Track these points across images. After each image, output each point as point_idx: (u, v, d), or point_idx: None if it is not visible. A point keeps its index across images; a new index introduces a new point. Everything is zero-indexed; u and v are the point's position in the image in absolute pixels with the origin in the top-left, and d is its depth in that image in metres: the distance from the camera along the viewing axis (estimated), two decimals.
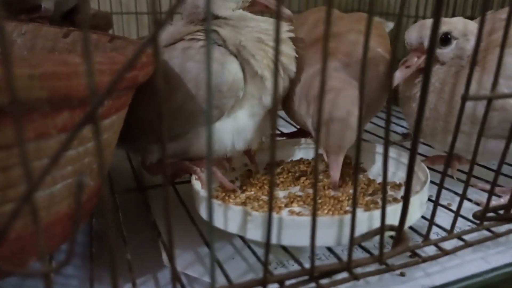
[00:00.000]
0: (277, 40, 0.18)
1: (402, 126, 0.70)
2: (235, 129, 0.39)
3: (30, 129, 0.22)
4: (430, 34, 0.22)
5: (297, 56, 0.41)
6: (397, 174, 0.43)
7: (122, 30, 0.87)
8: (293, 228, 0.30)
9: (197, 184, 0.38)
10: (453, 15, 0.84)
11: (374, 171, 0.45)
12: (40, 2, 0.55)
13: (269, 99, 0.39)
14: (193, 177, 0.39)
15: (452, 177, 0.45)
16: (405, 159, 0.43)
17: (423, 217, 0.36)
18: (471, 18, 0.41)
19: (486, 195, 0.44)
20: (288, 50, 0.40)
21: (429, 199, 0.37)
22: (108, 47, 0.40)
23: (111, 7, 0.83)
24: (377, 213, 0.31)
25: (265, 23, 0.39)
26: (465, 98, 0.25)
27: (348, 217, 0.30)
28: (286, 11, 0.41)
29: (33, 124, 0.22)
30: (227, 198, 0.39)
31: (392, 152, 0.45)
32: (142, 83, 0.30)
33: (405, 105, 0.43)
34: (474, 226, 0.38)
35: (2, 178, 0.23)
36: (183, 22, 0.41)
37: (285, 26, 0.40)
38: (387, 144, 0.24)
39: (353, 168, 0.45)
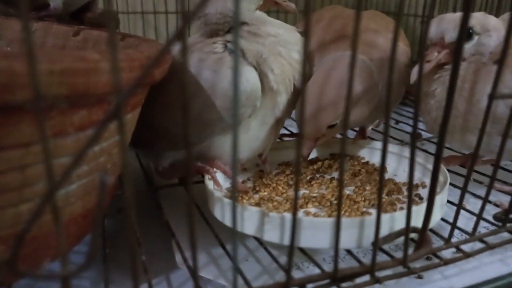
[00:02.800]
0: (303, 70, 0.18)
1: (411, 126, 0.69)
2: (245, 138, 0.39)
3: (47, 127, 0.22)
4: (459, 28, 0.21)
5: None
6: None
7: (128, 30, 0.86)
8: (312, 230, 0.29)
9: (210, 184, 0.37)
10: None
11: (389, 171, 0.45)
12: (48, 1, 0.55)
13: (281, 110, 0.39)
14: (206, 177, 0.38)
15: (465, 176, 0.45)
16: (420, 158, 0.42)
17: (442, 218, 0.36)
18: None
19: (502, 195, 0.43)
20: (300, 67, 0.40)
21: (449, 201, 0.37)
22: (120, 45, 0.39)
23: (117, 6, 0.82)
24: (398, 214, 0.30)
25: (284, 31, 0.39)
26: (492, 96, 0.24)
27: (369, 218, 0.29)
28: (291, 5, 0.41)
29: (51, 121, 0.22)
30: (240, 198, 0.38)
31: (407, 152, 0.45)
32: (157, 83, 0.30)
33: (422, 102, 0.42)
34: (493, 227, 0.37)
35: (19, 177, 0.22)
36: (198, 34, 0.40)
37: (297, 33, 0.40)
38: (414, 147, 0.23)
39: (378, 170, 0.44)
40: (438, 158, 0.25)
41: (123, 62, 0.23)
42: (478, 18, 0.37)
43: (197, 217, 0.38)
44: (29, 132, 0.21)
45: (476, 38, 0.37)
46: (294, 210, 0.21)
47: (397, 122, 0.74)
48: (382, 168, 0.23)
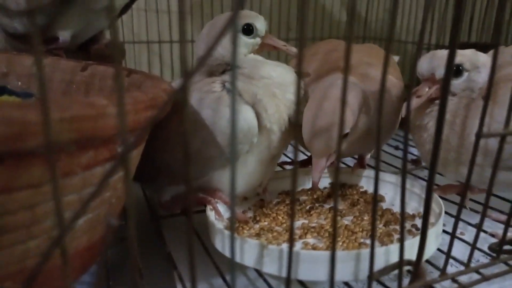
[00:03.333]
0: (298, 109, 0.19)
1: (411, 153, 0.70)
2: (243, 173, 0.41)
3: (58, 168, 0.23)
4: (445, 65, 0.22)
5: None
6: (410, 204, 0.43)
7: (134, 58, 0.89)
8: (309, 263, 0.30)
9: (211, 215, 0.38)
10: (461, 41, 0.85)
11: (387, 200, 0.45)
12: (57, 34, 0.57)
13: (275, 147, 0.41)
14: (208, 207, 0.39)
15: (465, 207, 0.45)
16: (417, 189, 0.43)
17: (438, 248, 0.36)
18: (476, 44, 0.42)
19: (499, 225, 0.44)
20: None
21: (446, 231, 0.37)
22: (126, 81, 0.41)
23: (124, 36, 0.85)
24: (393, 247, 0.31)
25: (277, 73, 0.40)
26: (479, 135, 0.25)
27: (365, 251, 0.30)
28: (293, 49, 0.43)
29: (60, 163, 0.23)
30: (241, 229, 0.39)
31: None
32: (160, 120, 0.31)
33: (416, 135, 0.43)
34: (489, 258, 0.38)
35: (28, 216, 0.23)
36: (197, 74, 0.42)
37: (293, 73, 0.41)
38: (404, 178, 0.24)
39: (371, 199, 0.45)
40: (429, 190, 0.25)
41: (128, 105, 0.25)
42: (467, 56, 0.39)
43: (198, 247, 0.39)
44: (39, 174, 0.22)
45: (466, 74, 0.39)
46: (290, 245, 0.22)
47: (397, 148, 0.76)
48: (375, 199, 0.24)
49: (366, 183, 0.49)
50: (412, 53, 1.03)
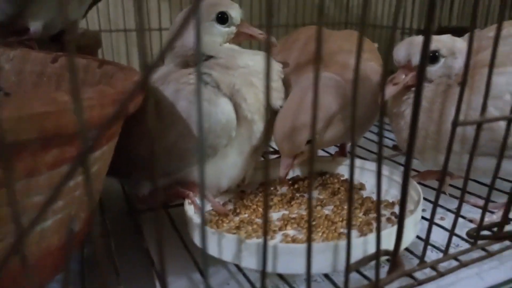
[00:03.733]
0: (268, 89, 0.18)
1: (393, 140, 0.70)
2: (225, 166, 0.40)
3: (20, 168, 0.22)
4: (420, 52, 0.22)
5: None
6: (389, 192, 0.43)
7: (111, 48, 0.87)
8: (288, 256, 0.30)
9: (190, 209, 0.38)
10: (439, 26, 0.85)
11: (368, 188, 0.45)
12: (28, 25, 0.55)
13: (258, 138, 0.40)
14: (186, 201, 0.39)
15: (444, 192, 0.46)
16: (397, 176, 0.43)
17: (418, 236, 0.36)
18: (457, 28, 0.42)
19: (479, 210, 0.44)
20: (277, 93, 0.40)
21: (422, 217, 0.37)
22: (97, 72, 0.39)
23: (100, 25, 0.83)
24: (371, 237, 0.31)
25: (255, 62, 0.39)
26: (455, 124, 0.25)
27: (343, 242, 0.29)
28: (271, 39, 0.42)
29: (23, 162, 0.22)
30: (220, 222, 0.38)
31: (385, 169, 0.45)
32: (132, 114, 0.30)
33: (393, 122, 0.43)
34: (468, 244, 0.38)
35: None
36: (173, 64, 0.41)
37: (276, 67, 0.41)
38: (380, 166, 0.24)
39: (358, 188, 0.45)
40: (406, 180, 0.25)
41: (93, 100, 0.24)
42: (444, 42, 0.39)
43: (177, 242, 0.38)
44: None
45: (442, 60, 0.39)
46: (265, 239, 0.22)
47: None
48: (351, 188, 0.24)
49: (347, 171, 0.49)
50: (396, 39, 1.03)
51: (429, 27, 0.23)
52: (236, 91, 0.38)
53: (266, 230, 0.21)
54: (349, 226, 0.24)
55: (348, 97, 0.41)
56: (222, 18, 0.39)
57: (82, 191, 0.28)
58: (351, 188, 0.23)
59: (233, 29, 0.40)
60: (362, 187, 0.45)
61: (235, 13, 0.39)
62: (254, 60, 0.39)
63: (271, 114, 0.40)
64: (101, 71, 0.40)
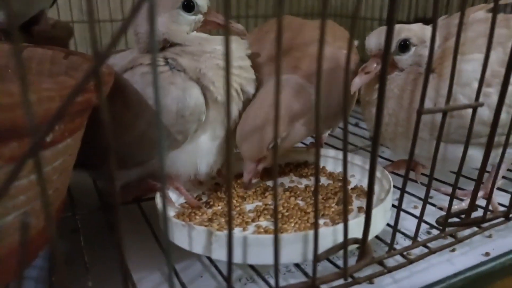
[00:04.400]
0: (227, 67, 0.18)
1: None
2: (198, 152, 0.40)
3: None
4: (384, 40, 0.22)
5: (256, 76, 0.41)
6: (363, 181, 0.44)
7: (85, 39, 0.85)
8: (258, 247, 0.29)
9: (161, 203, 0.37)
10: (415, 16, 0.86)
11: (339, 179, 0.46)
12: None
13: (232, 121, 0.39)
14: (157, 195, 0.38)
15: (414, 180, 0.46)
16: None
17: (388, 224, 0.37)
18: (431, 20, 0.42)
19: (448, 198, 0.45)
20: (246, 73, 0.40)
21: (393, 205, 0.38)
22: (63, 63, 0.38)
23: (72, 16, 0.81)
24: (341, 226, 0.31)
25: (221, 46, 0.39)
26: (420, 112, 0.25)
27: (312, 232, 0.29)
28: (239, 26, 0.41)
29: None
30: (193, 214, 0.38)
31: (358, 159, 0.46)
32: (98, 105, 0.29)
33: (365, 110, 0.44)
34: (438, 231, 0.39)
35: None
36: (136, 49, 0.40)
37: (242, 47, 0.40)
38: (345, 155, 0.24)
39: (332, 178, 0.45)
40: (372, 169, 0.25)
41: (53, 91, 0.23)
42: (414, 30, 0.39)
43: (149, 236, 0.38)
44: None
45: (413, 49, 0.39)
46: (229, 230, 0.22)
47: (357, 123, 0.76)
48: (317, 179, 0.24)
49: (322, 162, 0.49)
50: (371, 30, 1.03)
51: (392, 16, 0.23)
52: (202, 75, 0.37)
53: (230, 218, 0.21)
54: (316, 214, 0.23)
55: (311, 101, 0.41)
56: (188, 6, 0.38)
57: (48, 185, 0.28)
58: (317, 174, 0.23)
59: (200, 17, 0.39)
60: (339, 177, 0.46)
61: (201, 1, 0.38)
62: (222, 44, 0.39)
63: (245, 101, 0.39)
64: (67, 62, 0.38)
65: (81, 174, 0.43)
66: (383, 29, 0.39)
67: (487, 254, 0.39)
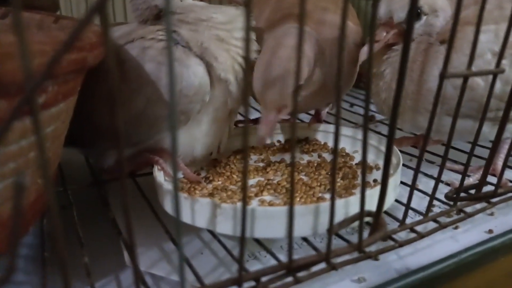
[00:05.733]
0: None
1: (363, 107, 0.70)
2: (199, 134, 0.38)
3: None
4: (408, 8, 0.20)
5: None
6: (368, 156, 0.42)
7: (71, 12, 0.81)
8: (266, 220, 0.28)
9: (160, 176, 0.35)
10: None
11: (345, 154, 0.44)
12: None
13: (234, 102, 0.37)
14: (155, 168, 0.36)
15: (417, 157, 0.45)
16: (374, 141, 0.42)
17: (395, 199, 0.36)
18: None
19: (453, 174, 0.44)
20: (253, 46, 0.38)
21: (401, 182, 0.37)
22: (53, 28, 0.36)
23: None
24: (352, 199, 0.29)
25: (218, 14, 0.36)
26: (443, 76, 0.24)
27: (323, 205, 0.28)
28: None
29: None
30: (193, 189, 0.36)
31: (359, 134, 0.44)
32: (93, 68, 0.27)
33: (372, 83, 0.42)
34: (446, 206, 0.38)
35: None
36: (136, 22, 0.38)
37: (242, 17, 0.38)
38: (366, 130, 0.22)
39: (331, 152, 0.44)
40: (390, 141, 0.24)
41: (46, 45, 0.21)
42: None
43: (147, 212, 0.36)
44: None
45: (424, 18, 0.37)
46: (244, 201, 0.20)
47: (352, 105, 0.75)
48: (336, 153, 0.22)
49: (322, 137, 0.47)
50: (366, 10, 1.02)
51: None
52: (205, 50, 0.35)
53: (245, 188, 0.19)
54: (333, 179, 0.22)
55: (323, 57, 0.40)
56: None
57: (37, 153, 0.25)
58: (336, 144, 0.21)
59: None
60: (342, 152, 0.44)
61: None
62: (217, 12, 0.36)
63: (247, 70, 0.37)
64: (57, 26, 0.36)
65: (71, 150, 0.40)
66: None
67: (490, 231, 0.39)
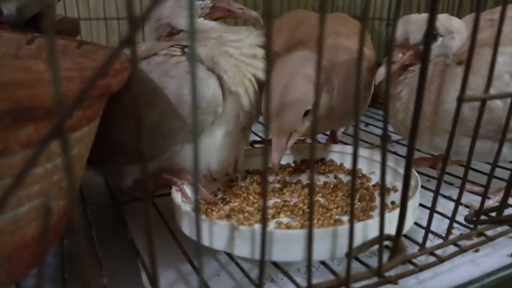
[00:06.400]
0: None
1: (381, 128, 0.69)
2: (211, 147, 0.38)
3: None
4: (425, 30, 0.21)
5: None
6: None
7: (91, 37, 0.83)
8: (284, 243, 0.28)
9: (178, 197, 0.36)
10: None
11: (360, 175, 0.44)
12: (1, 7, 0.52)
13: (246, 116, 0.38)
14: (173, 189, 0.36)
15: (435, 178, 0.45)
16: (391, 162, 0.42)
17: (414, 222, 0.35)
18: None
19: (471, 196, 0.44)
20: (260, 63, 0.38)
21: (420, 204, 0.36)
22: (76, 53, 0.37)
23: (79, 13, 0.79)
24: (371, 222, 0.29)
25: (228, 33, 0.37)
26: (461, 99, 0.24)
27: (342, 228, 0.28)
28: (252, 13, 0.39)
29: None
30: (210, 211, 0.36)
31: (377, 156, 0.44)
32: (115, 93, 0.28)
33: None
34: (465, 229, 0.37)
35: None
36: (152, 40, 0.39)
37: (256, 37, 0.38)
38: (384, 151, 0.23)
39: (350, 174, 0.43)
40: (409, 163, 0.24)
41: (72, 71, 0.21)
42: (442, 20, 0.37)
43: (164, 233, 0.36)
44: None
45: (440, 39, 0.38)
46: (263, 224, 0.20)
47: (367, 124, 0.75)
48: (354, 175, 0.22)
49: (338, 159, 0.47)
50: (379, 31, 1.02)
51: (434, 3, 0.21)
52: (215, 63, 0.35)
53: (265, 211, 0.19)
54: (352, 206, 0.22)
55: (330, 83, 0.40)
56: None
57: (61, 176, 0.26)
58: (355, 165, 0.21)
59: (207, 2, 0.38)
60: (359, 173, 0.44)
61: None
62: (227, 31, 0.37)
63: (258, 87, 0.37)
64: (80, 51, 0.37)
65: (89, 171, 0.41)
66: (409, 18, 0.37)
67: None
